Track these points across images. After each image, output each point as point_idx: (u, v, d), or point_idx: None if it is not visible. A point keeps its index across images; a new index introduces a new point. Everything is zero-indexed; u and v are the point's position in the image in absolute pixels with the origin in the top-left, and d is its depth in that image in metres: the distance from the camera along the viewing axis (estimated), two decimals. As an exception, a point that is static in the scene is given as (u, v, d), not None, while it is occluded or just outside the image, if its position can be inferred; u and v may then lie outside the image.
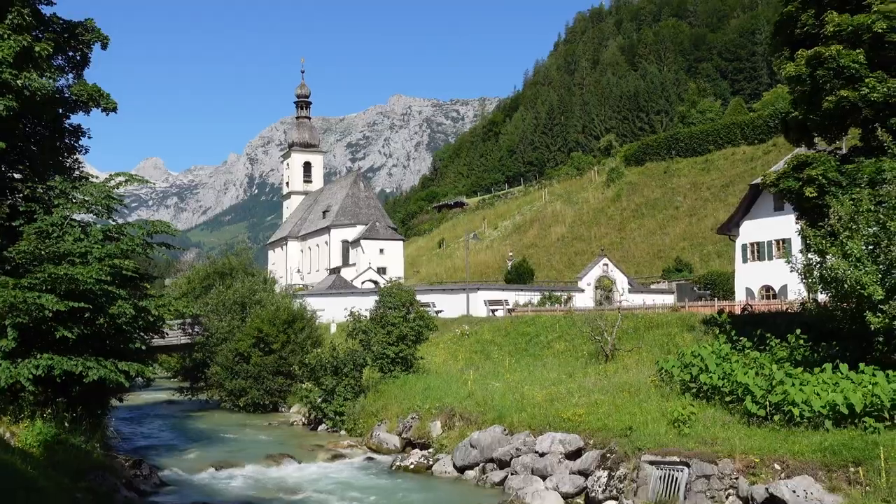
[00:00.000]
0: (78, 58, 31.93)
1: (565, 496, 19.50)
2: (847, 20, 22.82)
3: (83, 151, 32.75)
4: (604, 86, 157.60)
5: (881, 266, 19.64)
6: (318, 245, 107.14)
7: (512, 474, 21.26)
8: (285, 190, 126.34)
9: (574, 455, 20.54)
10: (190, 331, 45.24)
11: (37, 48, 25.11)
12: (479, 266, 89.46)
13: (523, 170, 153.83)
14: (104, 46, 32.13)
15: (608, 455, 19.67)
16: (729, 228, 52.45)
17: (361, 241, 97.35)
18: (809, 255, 22.12)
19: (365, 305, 38.69)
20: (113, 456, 23.18)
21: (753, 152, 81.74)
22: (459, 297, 55.22)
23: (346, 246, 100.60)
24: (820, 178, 23.35)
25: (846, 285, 19.74)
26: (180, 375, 52.62)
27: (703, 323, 32.14)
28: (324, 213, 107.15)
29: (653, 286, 65.48)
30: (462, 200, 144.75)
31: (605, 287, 63.31)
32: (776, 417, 18.82)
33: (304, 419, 35.07)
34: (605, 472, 19.14)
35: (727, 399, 21.14)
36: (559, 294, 58.93)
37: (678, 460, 17.70)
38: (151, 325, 26.46)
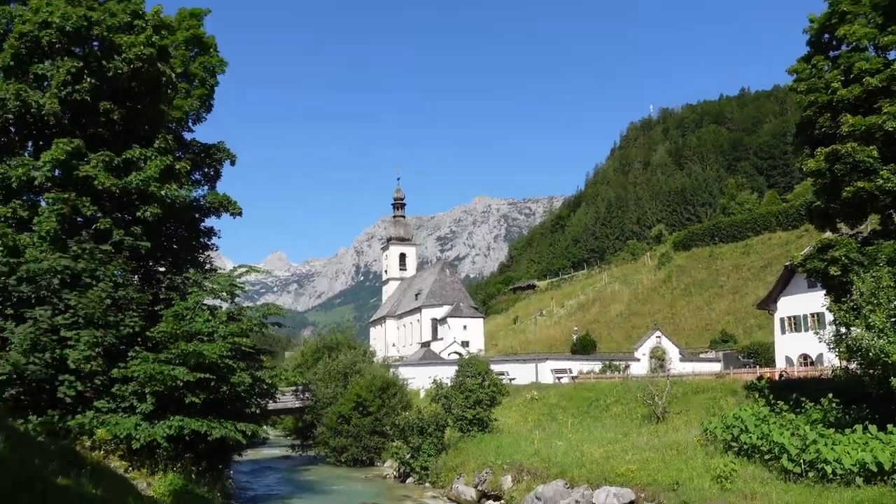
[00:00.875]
0: (211, 172, 33.35)
1: (619, 545, 18.60)
2: (860, 121, 22.19)
3: (215, 248, 33.86)
4: (654, 183, 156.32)
5: (902, 336, 18.55)
6: (411, 323, 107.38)
7: (572, 524, 20.41)
8: (384, 276, 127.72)
9: (627, 507, 19.63)
10: (301, 396, 45.45)
11: (177, 166, 26.31)
12: (548, 340, 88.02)
13: (586, 256, 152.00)
14: (233, 163, 33.51)
15: (657, 508, 18.74)
16: (768, 304, 50.66)
17: (448, 319, 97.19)
18: (837, 328, 21.06)
19: (449, 374, 38.29)
20: (230, 504, 23.21)
21: (788, 237, 79.21)
22: (529, 366, 54.19)
23: (435, 323, 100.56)
24: (842, 258, 22.42)
25: (871, 354, 18.67)
26: (293, 434, 52.76)
27: (744, 388, 30.72)
28: (416, 295, 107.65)
29: (701, 355, 63.11)
30: (534, 283, 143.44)
31: (658, 356, 61.35)
32: (810, 474, 17.70)
33: (395, 473, 34.55)
34: (655, 524, 18.20)
35: (766, 457, 20.02)
36: (618, 363, 57.36)
37: (720, 513, 16.73)
38: (265, 392, 26.75)
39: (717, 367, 56.16)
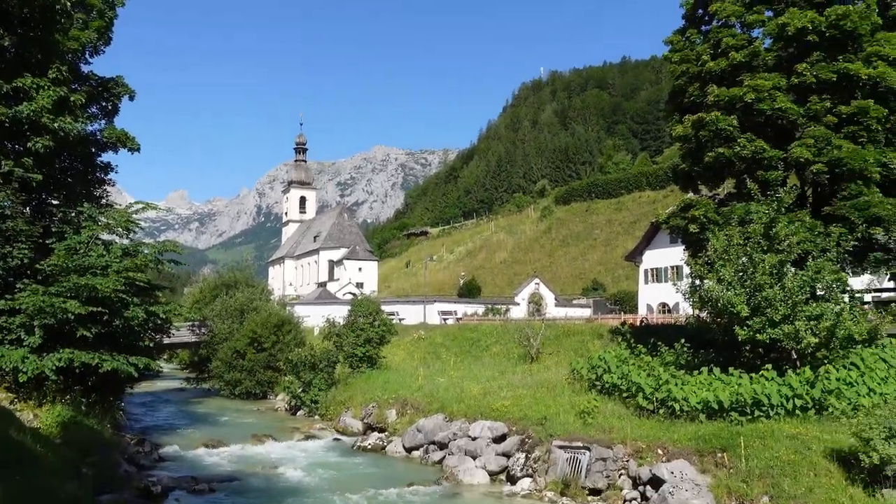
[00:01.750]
0: (109, 107, 31.20)
1: (491, 474, 19.01)
2: (724, 92, 22.77)
3: (112, 183, 31.93)
4: (541, 141, 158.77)
5: (747, 289, 19.45)
6: (309, 263, 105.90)
7: (449, 455, 20.68)
8: (284, 219, 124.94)
9: (500, 439, 20.03)
10: (197, 331, 44.08)
11: (72, 98, 24.39)
12: (437, 283, 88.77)
13: (476, 207, 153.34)
14: (131, 98, 31.39)
15: (526, 440, 19.24)
16: (634, 256, 52.64)
17: (344, 261, 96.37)
18: (692, 280, 21.91)
19: (343, 313, 37.84)
20: (121, 435, 22.34)
21: (655, 196, 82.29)
22: (418, 307, 54.55)
23: (332, 265, 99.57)
24: (701, 217, 23.23)
25: (720, 304, 19.53)
26: (189, 368, 51.27)
27: (610, 332, 31.81)
28: (314, 237, 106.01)
29: (574, 301, 65.23)
30: (426, 230, 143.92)
31: (535, 301, 62.97)
32: (661, 411, 18.51)
33: (286, 406, 34.15)
34: (523, 454, 18.70)
35: (624, 395, 20.76)
36: (500, 307, 58.53)
37: (581, 445, 17.31)
38: (159, 326, 25.67)
39: (587, 312, 58.20)
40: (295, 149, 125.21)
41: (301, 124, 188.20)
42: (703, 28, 25.52)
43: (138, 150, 30.50)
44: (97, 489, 14.42)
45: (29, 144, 22.77)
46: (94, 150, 30.13)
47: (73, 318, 20.43)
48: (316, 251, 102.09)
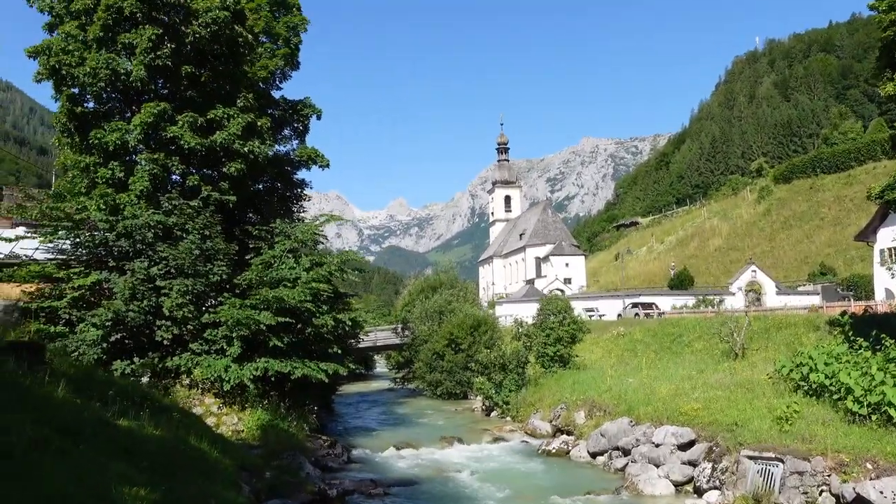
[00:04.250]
0: (300, 127, 33.40)
1: (675, 484, 17.56)
2: (946, 40, 19.34)
3: (307, 199, 34.11)
4: (759, 116, 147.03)
5: None
6: (516, 262, 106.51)
7: (632, 462, 19.44)
8: (491, 218, 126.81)
9: (685, 447, 18.43)
10: (401, 334, 45.84)
11: (259, 122, 26.26)
12: (647, 275, 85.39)
13: (691, 192, 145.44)
14: (318, 117, 33.37)
15: (714, 448, 17.53)
16: (867, 235, 46.62)
17: (550, 257, 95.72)
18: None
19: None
20: (316, 437, 23.50)
21: (895, 165, 72.67)
22: (617, 302, 52.56)
23: (538, 261, 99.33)
24: (924, 188, 19.90)
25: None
26: (396, 369, 53.68)
27: (827, 324, 28.38)
28: (520, 235, 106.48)
29: (799, 288, 59.37)
30: (636, 220, 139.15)
31: (754, 290, 58.20)
32: (874, 417, 15.95)
33: (482, 407, 34.35)
34: (710, 464, 17.04)
35: (834, 398, 18.26)
36: (712, 298, 54.74)
37: (774, 456, 15.38)
38: (348, 332, 26.86)
39: (815, 300, 52.69)
40: (497, 149, 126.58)
41: (502, 124, 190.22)
42: (920, -33, 21.82)
43: (328, 165, 32.31)
44: (271, 493, 15.17)
45: (224, 170, 24.90)
46: (288, 168, 32.43)
47: (265, 328, 21.94)
48: (522, 249, 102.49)
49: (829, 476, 14.32)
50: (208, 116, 24.61)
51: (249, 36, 25.99)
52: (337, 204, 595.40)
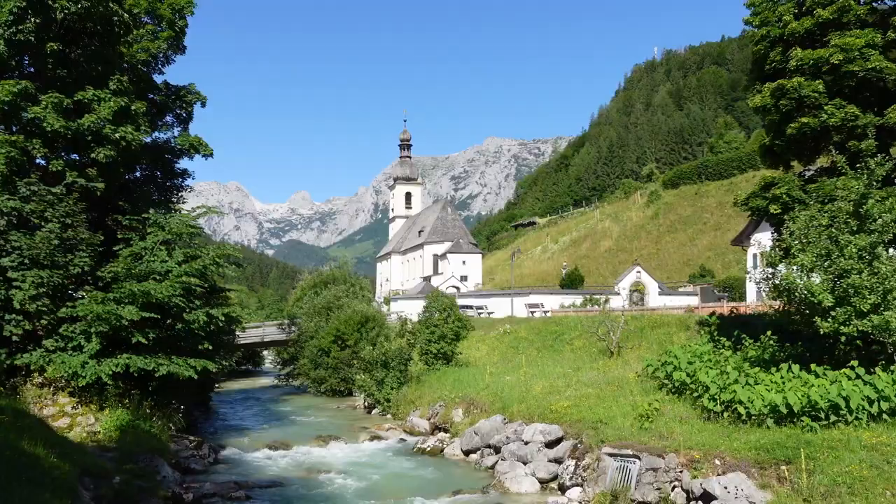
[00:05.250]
0: (183, 115, 31.93)
1: (541, 481, 17.71)
2: (808, 54, 20.34)
3: (189, 189, 32.71)
4: (654, 123, 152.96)
5: (831, 276, 17.15)
6: (414, 258, 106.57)
7: (501, 460, 19.48)
8: (391, 214, 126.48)
9: (553, 444, 18.68)
10: (287, 329, 44.80)
11: (133, 107, 24.78)
12: (541, 273, 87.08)
13: (588, 194, 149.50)
14: (203, 105, 32.01)
15: (578, 445, 17.77)
16: (742, 240, 48.97)
17: (448, 255, 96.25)
18: (764, 266, 19.65)
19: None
20: (182, 437, 22.45)
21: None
22: (507, 300, 53.25)
23: (436, 259, 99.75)
24: (784, 196, 20.94)
25: (797, 293, 17.33)
26: (281, 365, 52.44)
27: (697, 324, 29.51)
28: (419, 232, 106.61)
29: (680, 290, 61.96)
30: (534, 220, 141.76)
31: (638, 290, 60.26)
32: (726, 415, 16.58)
33: (364, 404, 33.94)
34: (574, 462, 17.26)
35: (694, 395, 18.90)
36: (598, 297, 56.26)
37: (631, 453, 15.69)
38: (222, 329, 25.84)
39: (694, 300, 55.02)
40: (399, 145, 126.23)
41: (405, 121, 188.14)
42: (788, -14, 22.89)
43: (211, 154, 31.02)
44: (116, 499, 14.28)
45: (92, 155, 23.38)
46: (169, 156, 30.96)
47: (128, 324, 20.76)
48: (420, 246, 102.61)
49: (680, 472, 14.73)
50: (76, 98, 23.02)
51: (126, 15, 24.46)
52: (237, 195, 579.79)
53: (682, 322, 30.98)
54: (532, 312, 47.72)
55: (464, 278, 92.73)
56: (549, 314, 44.48)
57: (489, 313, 48.47)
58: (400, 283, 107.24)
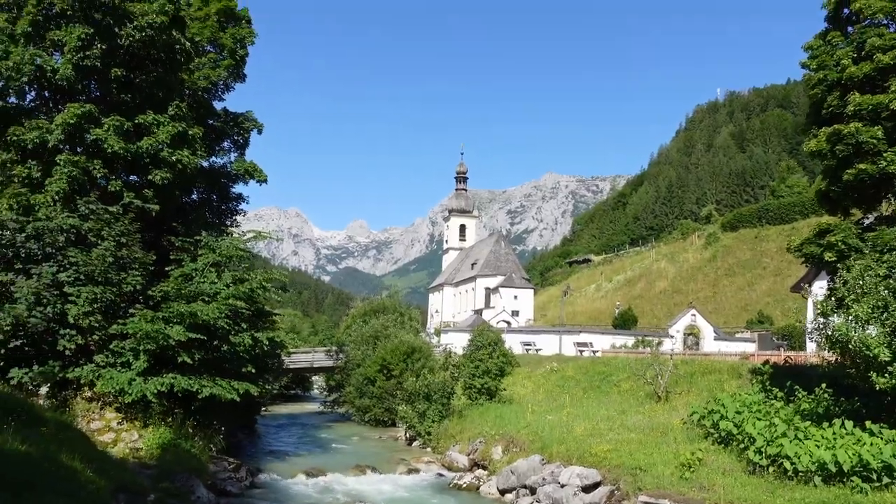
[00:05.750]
0: (240, 141, 32.83)
1: (575, 526, 17.24)
2: (867, 99, 19.77)
3: (243, 213, 33.47)
4: (715, 165, 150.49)
5: (888, 328, 16.42)
6: (466, 291, 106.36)
7: (536, 501, 19.09)
8: (445, 246, 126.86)
9: (590, 488, 18.15)
10: (334, 356, 45.10)
11: (190, 132, 25.58)
12: (594, 312, 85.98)
13: (645, 234, 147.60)
14: (259, 132, 32.88)
15: (615, 492, 17.27)
16: (801, 287, 47.62)
17: (500, 289, 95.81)
18: (816, 317, 18.93)
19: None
20: (222, 459, 22.65)
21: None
22: (555, 337, 52.56)
23: (488, 292, 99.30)
24: (839, 243, 20.18)
25: (851, 346, 16.63)
26: (328, 392, 52.65)
27: (750, 372, 28.55)
28: (472, 265, 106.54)
29: (737, 335, 60.16)
30: (589, 257, 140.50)
31: (693, 334, 58.71)
32: (772, 469, 15.90)
33: (406, 436, 33.74)
34: (610, 508, 16.76)
35: (740, 447, 18.21)
36: (651, 339, 55.03)
37: (669, 503, 15.17)
38: (266, 352, 26.11)
39: (751, 347, 53.39)
40: (456, 178, 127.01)
41: (462, 153, 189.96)
42: (848, 29, 22.37)
43: (265, 180, 31.76)
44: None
45: (149, 177, 24.18)
46: (224, 180, 31.77)
47: (174, 343, 21.17)
48: (473, 278, 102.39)
49: (719, 527, 14.15)
50: (137, 122, 23.93)
51: (188, 43, 25.42)
52: (296, 221, 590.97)
53: (734, 369, 30.01)
54: (581, 351, 46.96)
55: (515, 313, 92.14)
56: (597, 354, 43.68)
57: (537, 350, 47.91)
58: (451, 315, 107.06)
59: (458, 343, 51.55)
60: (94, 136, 22.79)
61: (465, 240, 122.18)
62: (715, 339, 57.18)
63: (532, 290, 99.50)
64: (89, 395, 21.57)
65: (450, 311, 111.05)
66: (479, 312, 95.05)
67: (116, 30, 23.38)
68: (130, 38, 23.36)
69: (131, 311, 22.14)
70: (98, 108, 23.42)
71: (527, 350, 49.64)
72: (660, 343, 54.16)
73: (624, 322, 69.11)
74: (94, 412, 21.16)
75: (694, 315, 58.96)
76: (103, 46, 22.99)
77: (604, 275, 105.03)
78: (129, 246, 22.49)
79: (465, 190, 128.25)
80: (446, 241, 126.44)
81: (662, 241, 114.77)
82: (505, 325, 79.84)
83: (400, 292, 69.10)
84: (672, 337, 57.37)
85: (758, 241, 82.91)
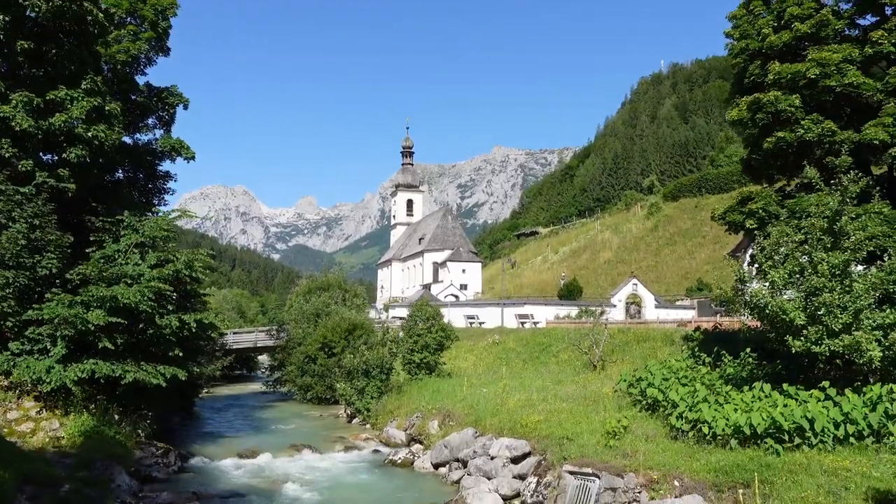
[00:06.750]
0: (165, 116, 31.82)
1: (504, 497, 17.19)
2: (786, 68, 20.00)
3: (171, 192, 32.56)
4: (659, 136, 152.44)
5: (803, 293, 16.73)
6: (414, 266, 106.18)
7: (467, 474, 19.08)
8: (392, 221, 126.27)
9: (519, 459, 18.24)
10: (275, 335, 44.51)
11: (108, 107, 24.55)
12: (540, 283, 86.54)
13: (592, 205, 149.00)
14: (185, 107, 31.94)
15: (542, 462, 17.38)
16: (737, 254, 48.64)
17: (447, 263, 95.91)
18: (735, 283, 19.24)
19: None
20: (150, 444, 22.08)
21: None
22: (497, 310, 52.81)
23: (436, 266, 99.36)
24: (760, 211, 20.51)
25: (767, 311, 16.91)
26: (269, 371, 52.02)
27: (682, 339, 29.08)
28: (420, 240, 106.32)
29: (677, 303, 61.35)
30: (536, 230, 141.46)
31: (635, 303, 59.65)
32: (692, 434, 16.14)
33: (346, 413, 33.55)
34: (536, 478, 16.87)
35: (665, 413, 18.46)
36: (594, 309, 55.70)
37: (592, 471, 15.29)
38: (196, 335, 25.44)
39: (691, 314, 54.57)
40: (402, 152, 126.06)
41: (407, 128, 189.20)
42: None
43: (193, 157, 30.93)
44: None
45: (63, 155, 23.16)
46: (150, 158, 30.77)
47: (93, 328, 20.45)
48: (420, 253, 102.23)
49: (639, 493, 14.30)
50: (48, 97, 22.83)
51: (101, 15, 24.28)
52: (244, 199, 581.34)
53: (667, 336, 30.55)
54: (522, 323, 47.27)
55: (464, 287, 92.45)
56: (539, 325, 44.00)
57: (480, 323, 48.01)
58: (400, 291, 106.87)
59: (401, 318, 51.42)
60: (1, 114, 21.69)
61: (412, 215, 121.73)
62: (656, 307, 58.29)
63: (480, 264, 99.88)
64: (6, 384, 20.76)
65: (398, 286, 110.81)
66: (427, 287, 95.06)
67: (21, 0, 22.19)
68: (37, 9, 22.20)
69: (47, 295, 21.27)
70: (4, 84, 22.32)
71: (470, 323, 49.77)
72: (602, 312, 54.83)
73: (569, 293, 69.80)
74: (10, 402, 20.36)
75: (635, 284, 59.91)
76: (6, 18, 21.83)
77: (550, 246, 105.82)
78: (44, 228, 21.57)
79: (412, 164, 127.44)
80: (394, 216, 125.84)
81: (608, 212, 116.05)
82: (453, 298, 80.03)
83: (346, 269, 68.43)
84: (615, 306, 58.23)
85: (698, 210, 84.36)
